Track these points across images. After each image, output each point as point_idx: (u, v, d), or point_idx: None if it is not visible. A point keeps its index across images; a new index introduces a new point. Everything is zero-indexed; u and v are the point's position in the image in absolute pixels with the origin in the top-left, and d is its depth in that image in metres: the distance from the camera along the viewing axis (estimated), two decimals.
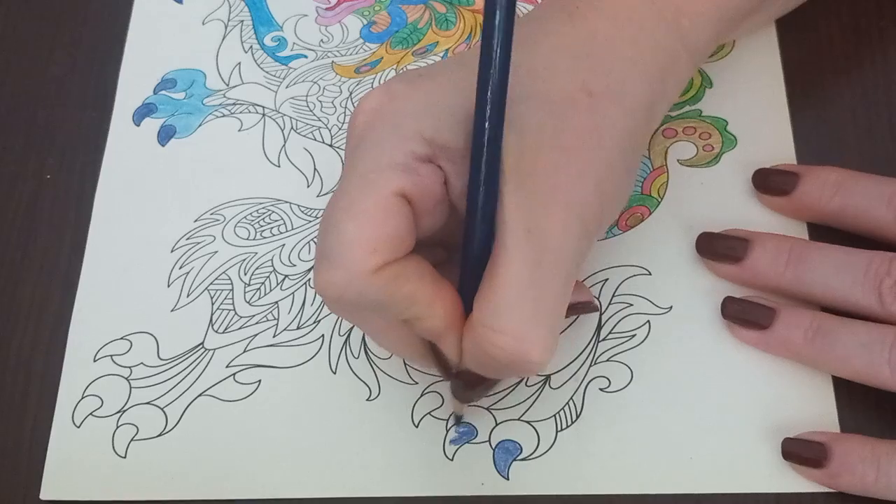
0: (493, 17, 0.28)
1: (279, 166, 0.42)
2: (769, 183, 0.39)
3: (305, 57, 0.44)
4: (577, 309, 0.35)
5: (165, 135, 0.43)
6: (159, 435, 0.37)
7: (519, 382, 0.37)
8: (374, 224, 0.29)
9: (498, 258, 0.29)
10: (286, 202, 0.41)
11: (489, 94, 0.28)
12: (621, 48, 0.33)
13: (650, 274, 0.39)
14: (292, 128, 0.43)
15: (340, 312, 0.34)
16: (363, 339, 0.38)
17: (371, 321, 0.33)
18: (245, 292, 0.40)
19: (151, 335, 0.39)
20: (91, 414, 0.38)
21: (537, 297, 0.29)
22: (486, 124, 0.29)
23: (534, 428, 0.37)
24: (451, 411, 0.36)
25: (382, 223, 0.29)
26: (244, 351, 0.38)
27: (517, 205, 0.29)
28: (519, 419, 0.37)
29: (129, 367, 0.38)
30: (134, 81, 0.44)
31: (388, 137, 0.30)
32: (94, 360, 0.39)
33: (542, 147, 0.30)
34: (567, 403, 0.37)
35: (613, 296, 0.38)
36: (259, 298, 0.39)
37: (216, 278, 0.40)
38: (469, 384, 0.33)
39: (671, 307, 0.38)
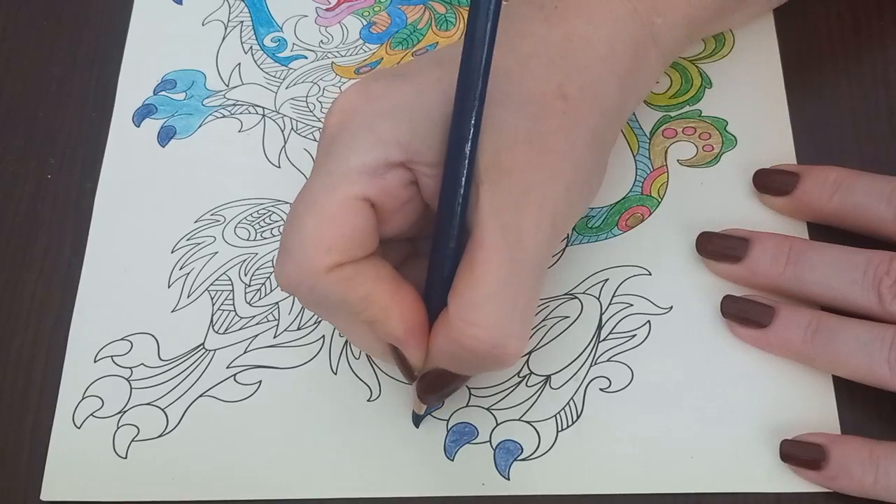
0: (477, 20, 0.28)
1: (279, 167, 0.42)
2: (769, 183, 0.39)
3: (305, 58, 0.44)
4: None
5: (165, 135, 0.43)
6: (160, 436, 0.37)
7: (520, 383, 0.37)
8: (332, 223, 0.30)
9: (475, 255, 0.30)
10: (286, 203, 0.41)
11: (475, 100, 0.29)
12: (596, 48, 0.34)
13: (650, 274, 0.39)
14: (292, 128, 0.43)
15: (302, 304, 0.34)
16: None
17: (334, 316, 0.33)
18: (245, 293, 0.40)
19: (152, 336, 0.39)
20: (92, 415, 0.38)
21: (514, 291, 0.30)
22: (466, 126, 0.29)
23: (534, 428, 0.37)
24: (423, 409, 0.36)
25: (341, 223, 0.30)
26: (245, 352, 0.39)
27: (492, 203, 0.30)
28: (519, 419, 0.37)
29: (130, 368, 0.38)
30: (134, 82, 0.44)
31: (360, 140, 0.31)
32: (95, 361, 0.39)
33: (516, 148, 0.31)
34: (568, 403, 0.37)
35: (613, 296, 0.38)
36: (259, 299, 0.39)
37: (217, 279, 0.40)
38: (431, 388, 0.33)
39: (671, 307, 0.38)
